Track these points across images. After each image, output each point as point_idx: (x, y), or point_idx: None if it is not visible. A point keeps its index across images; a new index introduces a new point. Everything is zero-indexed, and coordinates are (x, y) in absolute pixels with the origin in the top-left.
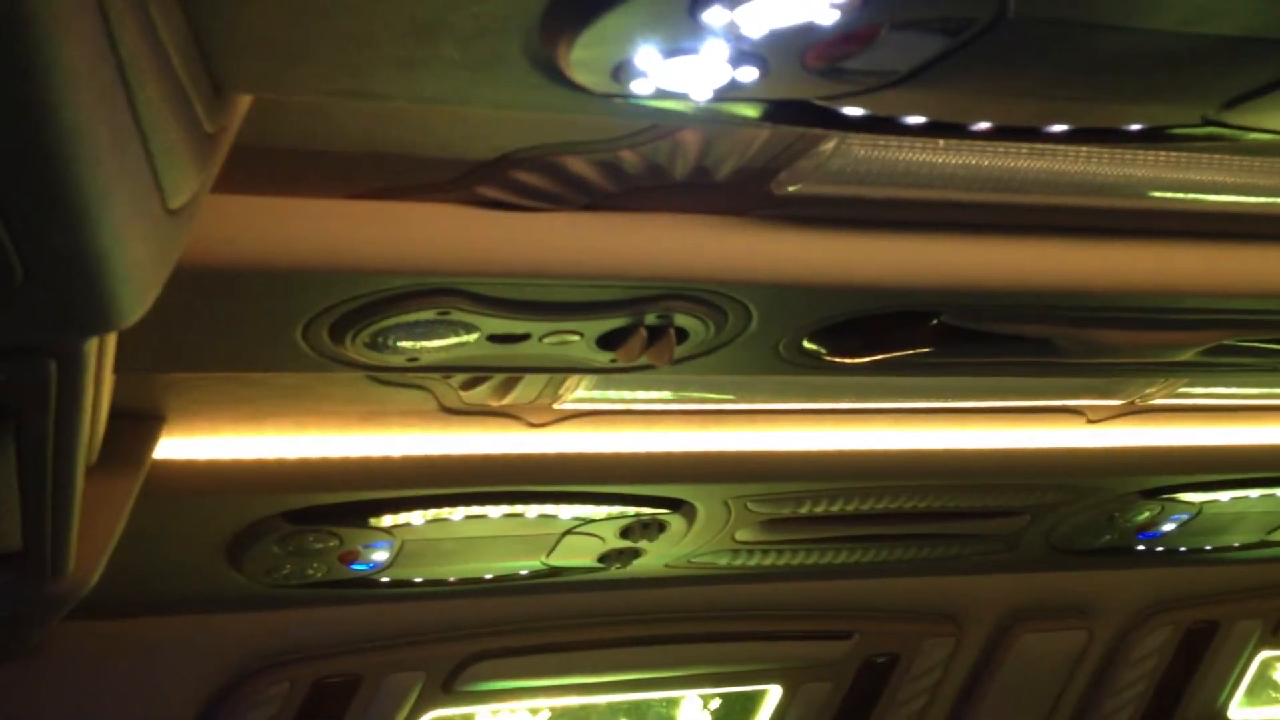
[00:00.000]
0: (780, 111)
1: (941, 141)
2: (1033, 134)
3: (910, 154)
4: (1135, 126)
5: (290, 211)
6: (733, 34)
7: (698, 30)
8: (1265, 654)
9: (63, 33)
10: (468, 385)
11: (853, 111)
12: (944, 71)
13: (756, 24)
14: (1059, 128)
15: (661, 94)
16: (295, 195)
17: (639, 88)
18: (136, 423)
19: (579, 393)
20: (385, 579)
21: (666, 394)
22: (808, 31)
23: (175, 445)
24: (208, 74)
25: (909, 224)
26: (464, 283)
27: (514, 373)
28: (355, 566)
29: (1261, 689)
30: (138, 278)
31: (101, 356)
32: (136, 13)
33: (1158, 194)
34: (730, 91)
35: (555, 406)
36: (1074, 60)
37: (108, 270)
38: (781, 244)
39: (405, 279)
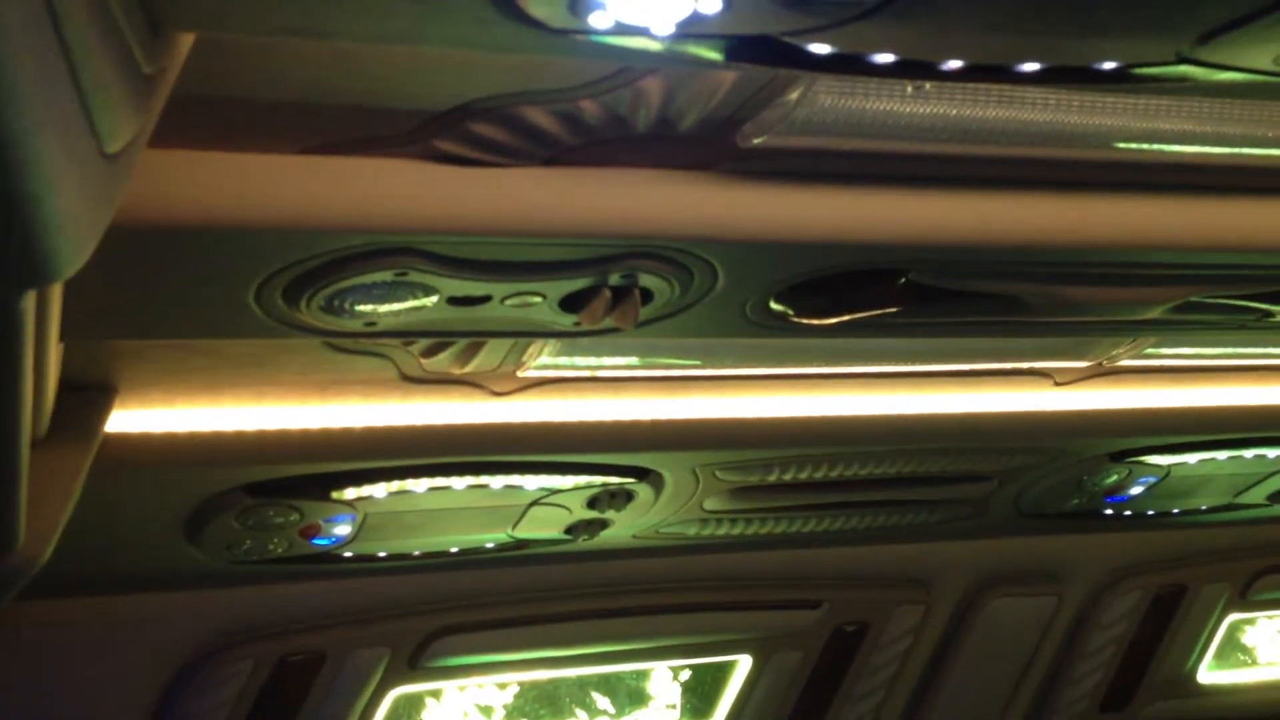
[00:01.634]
0: (744, 49)
1: (909, 89)
2: (1003, 73)
3: (877, 103)
4: (1108, 65)
5: (239, 166)
6: None
7: None
8: (1233, 616)
9: None
10: (429, 352)
11: (819, 49)
12: (911, 2)
13: None
14: (1030, 66)
15: (621, 28)
16: (244, 149)
17: (597, 21)
18: (87, 394)
19: (543, 359)
20: (348, 554)
21: (632, 359)
22: None
23: (129, 418)
24: (143, 10)
25: (876, 178)
26: (422, 241)
27: (475, 337)
28: (317, 541)
29: (1230, 652)
30: (72, 226)
31: (45, 322)
32: None
33: (1125, 145)
34: (692, 26)
35: (519, 374)
36: None
37: (38, 217)
38: (748, 200)
39: (361, 238)
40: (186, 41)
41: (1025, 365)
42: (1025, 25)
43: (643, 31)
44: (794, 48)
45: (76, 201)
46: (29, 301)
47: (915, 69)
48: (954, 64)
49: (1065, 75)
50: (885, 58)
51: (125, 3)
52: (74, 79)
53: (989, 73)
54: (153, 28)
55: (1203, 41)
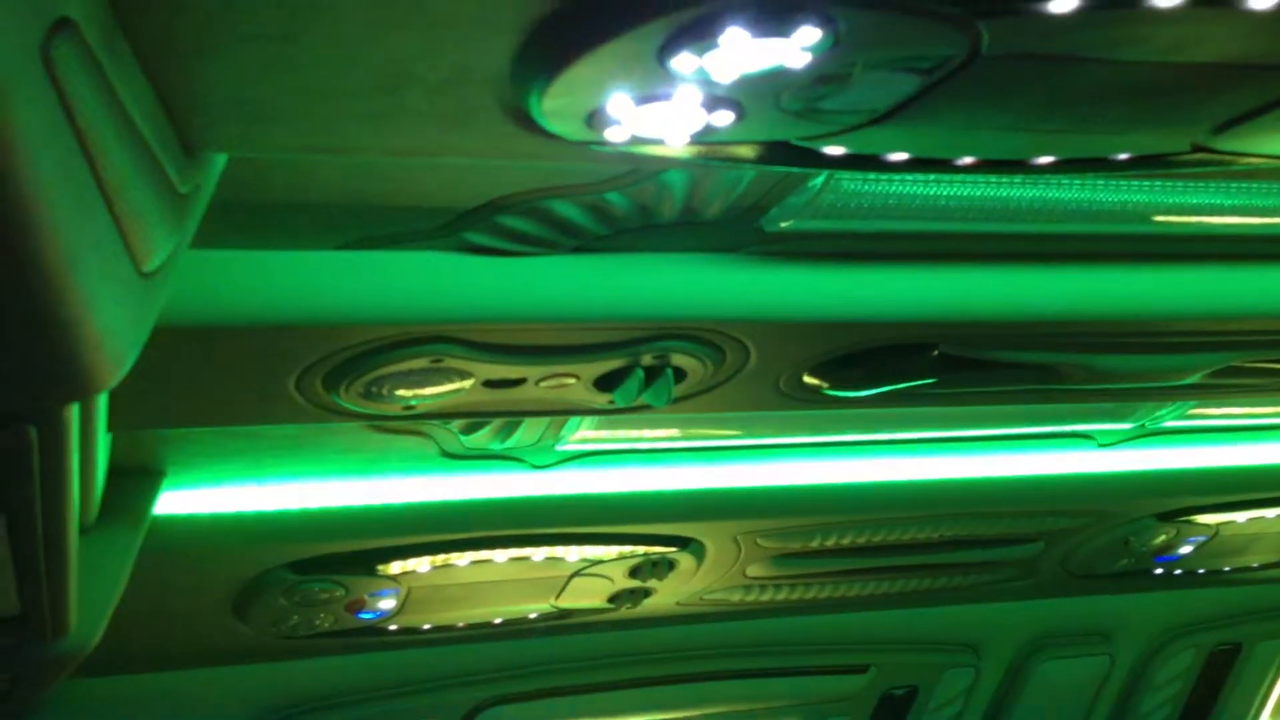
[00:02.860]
0: (760, 154)
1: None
2: (1019, 166)
3: (901, 187)
4: (1123, 156)
5: (276, 264)
6: (704, 79)
7: (669, 77)
8: None
9: (11, 104)
10: (468, 429)
11: (834, 150)
12: (923, 108)
13: (727, 69)
14: (1045, 159)
15: (637, 140)
16: (282, 248)
17: (614, 135)
18: (136, 479)
19: (582, 433)
20: (393, 627)
21: (671, 431)
22: (780, 75)
23: (176, 499)
24: (176, 135)
25: (904, 255)
26: (455, 329)
27: (512, 417)
28: (362, 615)
29: None
30: (112, 342)
31: (91, 417)
32: (95, 80)
33: (1158, 218)
34: (707, 135)
35: (558, 448)
36: (1055, 93)
37: (79, 336)
38: (775, 280)
39: (396, 328)
40: (220, 160)
41: (1067, 428)
42: (1036, 125)
43: (658, 143)
44: (809, 150)
45: (115, 320)
46: (73, 408)
47: (930, 165)
48: (968, 160)
49: (1081, 165)
50: (899, 156)
51: (160, 131)
52: (110, 207)
53: (1004, 166)
54: (187, 150)
55: (1219, 132)
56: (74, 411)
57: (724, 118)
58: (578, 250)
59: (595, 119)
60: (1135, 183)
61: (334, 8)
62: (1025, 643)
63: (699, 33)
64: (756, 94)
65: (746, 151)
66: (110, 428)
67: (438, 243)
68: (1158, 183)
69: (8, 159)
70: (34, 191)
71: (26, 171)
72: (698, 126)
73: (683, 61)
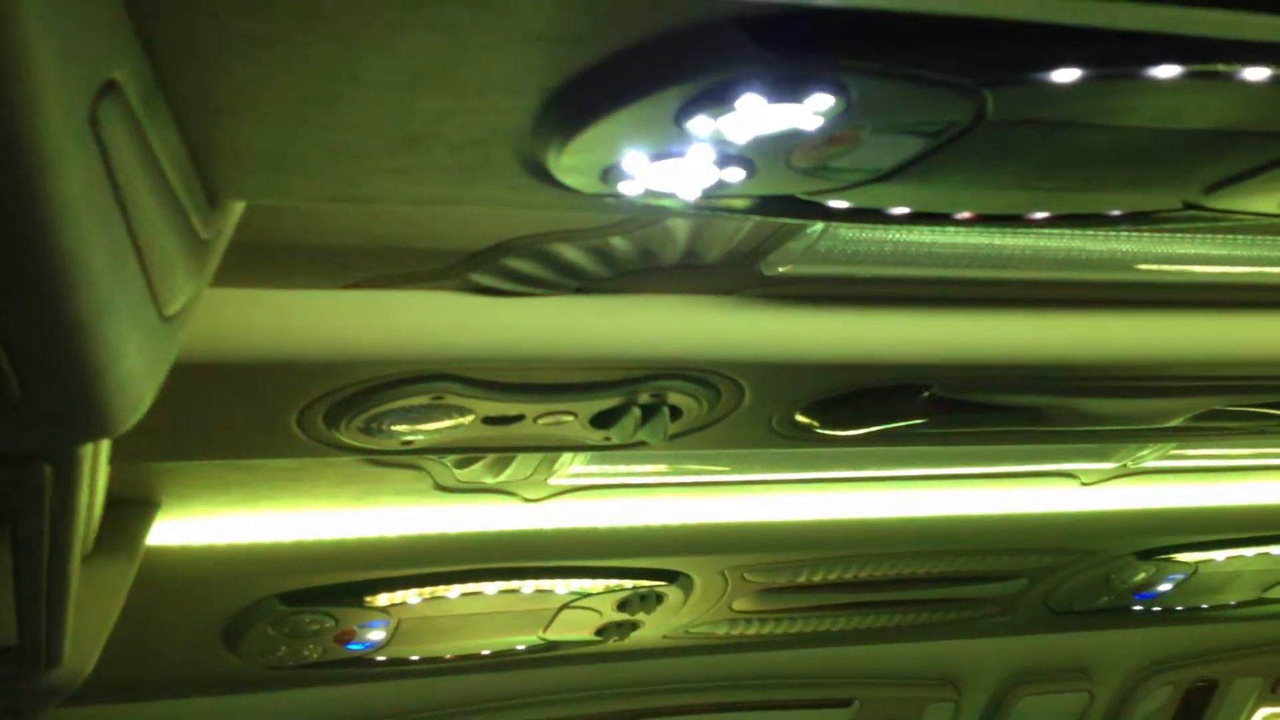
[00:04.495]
0: (767, 205)
1: None
2: (1015, 220)
3: (897, 234)
4: (1117, 212)
5: (283, 302)
6: (718, 140)
7: (684, 137)
8: (1265, 711)
9: (61, 166)
10: (462, 464)
11: (838, 204)
12: (926, 168)
13: (741, 131)
14: (1041, 214)
15: (650, 194)
16: (290, 287)
17: (628, 189)
18: (131, 509)
19: (574, 468)
20: (382, 658)
21: (662, 467)
22: (792, 136)
23: (170, 529)
24: (203, 186)
25: (897, 300)
26: (457, 368)
27: (508, 452)
28: (351, 646)
29: None
30: (133, 386)
31: (96, 452)
32: (134, 137)
33: (1145, 267)
34: (717, 190)
35: (550, 482)
36: (1053, 156)
37: (103, 382)
38: (772, 322)
39: (399, 366)
40: (240, 207)
41: (1051, 467)
42: (1034, 184)
43: (670, 197)
44: (814, 203)
45: (137, 363)
46: (88, 447)
47: (930, 218)
48: (966, 214)
49: (1076, 220)
50: (900, 210)
51: (186, 183)
52: (139, 257)
53: (1001, 220)
54: (211, 198)
55: (1209, 192)
56: (87, 450)
57: (735, 174)
58: (579, 291)
59: (610, 174)
60: (1124, 233)
61: (369, 74)
62: (1006, 678)
63: (716, 98)
64: (768, 153)
65: (753, 204)
66: (111, 460)
67: (443, 283)
68: (1145, 234)
69: (54, 221)
70: (73, 248)
71: (69, 230)
72: (710, 182)
73: (698, 124)
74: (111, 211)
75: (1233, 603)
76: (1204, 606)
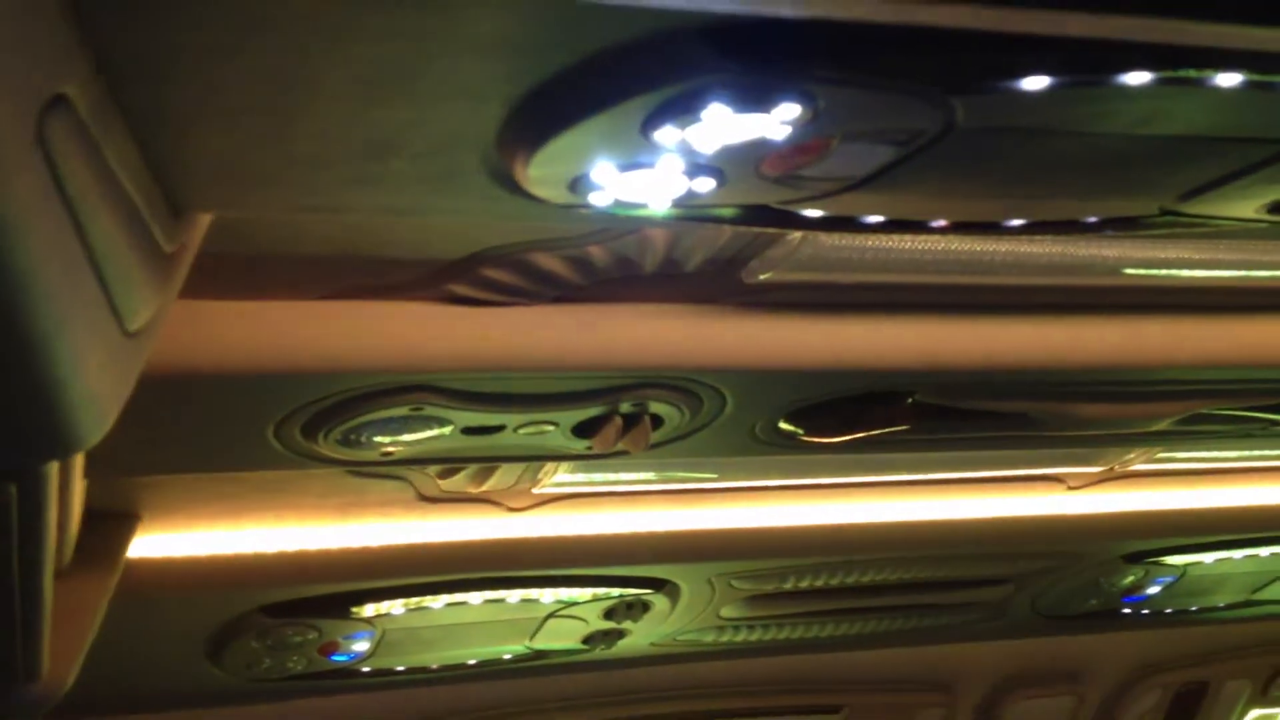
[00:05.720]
0: (740, 215)
1: None
2: (992, 228)
3: (878, 241)
4: (1093, 219)
5: (258, 314)
6: (686, 150)
7: (652, 147)
8: (1256, 713)
9: (6, 182)
10: (445, 474)
11: (812, 213)
12: (898, 176)
13: (709, 141)
14: (1017, 221)
15: (620, 205)
16: (267, 298)
17: (597, 199)
18: (111, 522)
19: (558, 476)
20: (366, 669)
21: (647, 475)
22: (760, 146)
23: (151, 543)
24: (165, 198)
25: (880, 306)
26: (436, 378)
27: (490, 462)
28: (335, 658)
29: None
30: (96, 402)
31: (69, 465)
32: (87, 152)
33: (1129, 271)
34: (688, 200)
35: (534, 491)
36: (1027, 163)
37: (64, 399)
38: (753, 330)
39: (376, 377)
40: (206, 219)
41: (1038, 471)
42: (1008, 191)
43: (640, 207)
44: (788, 213)
45: (100, 380)
46: (52, 466)
47: (905, 226)
48: (941, 222)
49: (1052, 227)
50: (875, 218)
51: (147, 193)
52: (97, 273)
53: (977, 228)
54: (174, 211)
55: (1185, 198)
56: (54, 469)
57: (705, 184)
58: (558, 300)
59: (579, 185)
60: (1105, 238)
61: (327, 84)
62: (995, 683)
63: (682, 108)
64: (737, 163)
65: (727, 213)
66: (87, 474)
67: (420, 294)
68: (1127, 239)
69: (2, 238)
70: (24, 264)
71: (18, 247)
72: (679, 192)
73: (666, 134)
74: (64, 227)
75: (1222, 605)
76: (1193, 609)
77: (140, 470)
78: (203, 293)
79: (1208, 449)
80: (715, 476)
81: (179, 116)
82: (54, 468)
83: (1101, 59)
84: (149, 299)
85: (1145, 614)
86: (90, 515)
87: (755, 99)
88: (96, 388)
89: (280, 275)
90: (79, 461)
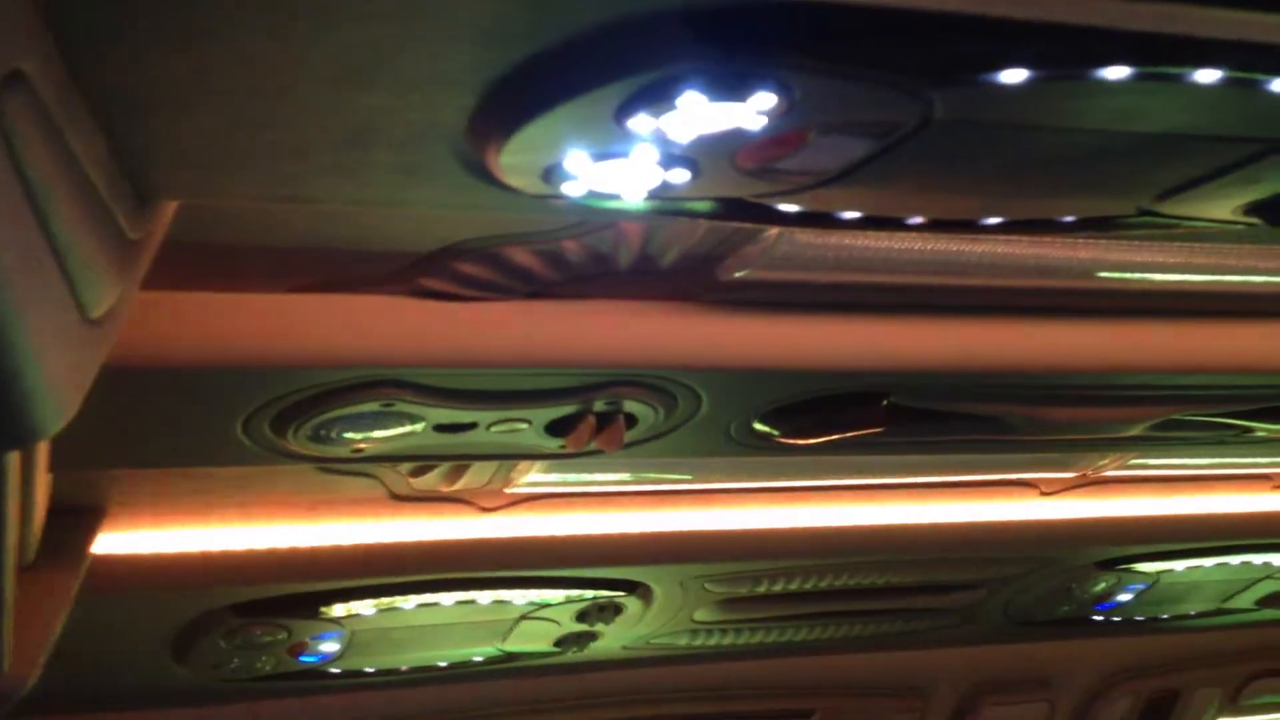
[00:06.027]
0: (715, 208)
1: None
2: (969, 226)
3: (854, 239)
4: (1070, 218)
5: (226, 306)
6: (661, 139)
7: (625, 136)
8: None
9: None
10: (417, 472)
11: (788, 207)
12: (875, 170)
13: (683, 130)
14: (993, 220)
15: (594, 195)
16: (235, 290)
17: (570, 190)
18: (75, 517)
19: (531, 476)
20: (336, 670)
21: (622, 475)
22: (736, 136)
23: (117, 539)
24: (130, 184)
25: (856, 306)
26: (407, 374)
27: (462, 460)
28: (304, 659)
29: None
30: (56, 390)
31: (32, 458)
32: (47, 133)
33: (1104, 274)
34: (663, 192)
35: (507, 490)
36: (1004, 159)
37: (22, 387)
38: (729, 328)
39: (346, 372)
40: (171, 206)
41: (1011, 476)
42: (986, 188)
43: (614, 198)
44: (763, 206)
45: (60, 367)
46: (14, 455)
47: (881, 223)
48: (918, 219)
49: (1029, 226)
50: (851, 214)
51: (111, 179)
52: (57, 259)
53: (954, 225)
54: (140, 197)
55: (1163, 198)
56: (13, 460)
57: (680, 176)
58: (531, 295)
59: (552, 174)
60: (1082, 240)
61: (301, 69)
62: (968, 688)
63: (656, 96)
64: (712, 154)
65: (701, 206)
66: (51, 468)
67: (392, 287)
68: (1103, 241)
69: None
70: None
71: None
72: (654, 183)
73: (639, 122)
74: (22, 211)
75: (1193, 613)
76: (1164, 616)
77: (105, 463)
78: (170, 284)
79: (1181, 455)
80: (689, 478)
81: (146, 100)
82: (15, 459)
83: (1082, 51)
84: (111, 286)
85: (1117, 621)
86: (55, 510)
87: (730, 86)
88: (57, 376)
89: (249, 267)
90: (43, 453)
